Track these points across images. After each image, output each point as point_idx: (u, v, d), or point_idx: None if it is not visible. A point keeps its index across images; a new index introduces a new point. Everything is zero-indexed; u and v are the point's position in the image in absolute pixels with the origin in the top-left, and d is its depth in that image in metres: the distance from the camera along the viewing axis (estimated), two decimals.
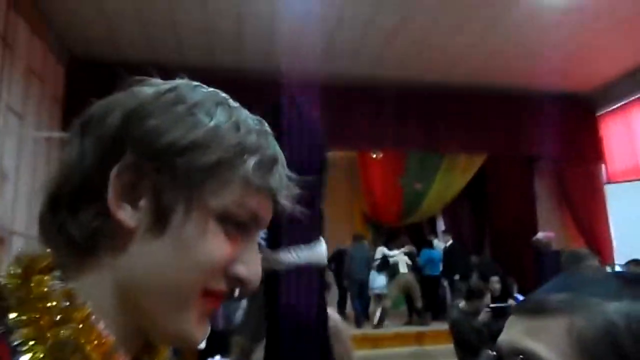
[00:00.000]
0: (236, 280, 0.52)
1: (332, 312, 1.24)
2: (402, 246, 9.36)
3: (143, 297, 0.50)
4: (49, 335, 0.45)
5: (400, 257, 9.36)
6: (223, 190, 0.51)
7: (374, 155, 8.18)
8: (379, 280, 9.15)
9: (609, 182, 9.69)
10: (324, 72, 7.29)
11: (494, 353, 0.56)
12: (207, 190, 0.50)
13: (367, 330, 9.05)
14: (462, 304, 4.81)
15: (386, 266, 9.18)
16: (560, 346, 0.50)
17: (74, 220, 0.49)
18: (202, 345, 4.53)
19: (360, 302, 8.98)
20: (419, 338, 8.37)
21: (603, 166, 10.05)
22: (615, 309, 0.50)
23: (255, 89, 4.23)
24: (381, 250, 9.31)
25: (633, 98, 9.21)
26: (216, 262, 0.50)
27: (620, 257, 6.72)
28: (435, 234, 11.23)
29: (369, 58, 7.88)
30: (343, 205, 12.19)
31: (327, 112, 7.60)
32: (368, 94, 8.48)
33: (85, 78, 7.06)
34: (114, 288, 0.50)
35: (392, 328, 9.12)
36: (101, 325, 0.48)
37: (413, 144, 8.60)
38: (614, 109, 9.82)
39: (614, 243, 9.24)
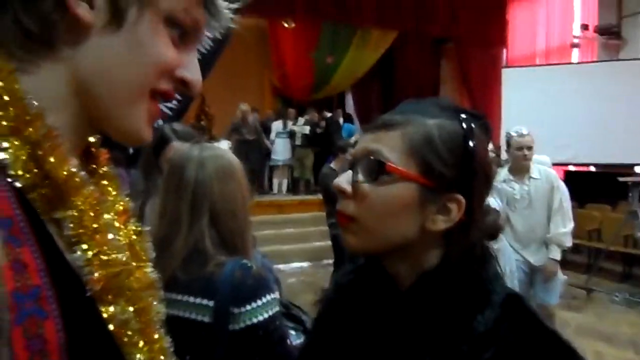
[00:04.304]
0: (181, 84, 0.56)
1: (226, 148, 1.31)
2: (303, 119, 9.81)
3: (98, 89, 0.52)
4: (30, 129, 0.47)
5: (298, 129, 9.79)
6: None
7: (286, 25, 7.90)
8: (278, 153, 9.69)
9: (506, 67, 10.23)
10: None
11: (351, 157, 0.76)
12: None
13: (274, 197, 9.53)
14: (332, 163, 5.42)
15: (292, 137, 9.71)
16: (397, 147, 0.72)
17: (30, 11, 0.49)
18: None
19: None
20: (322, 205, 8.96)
21: (504, 51, 10.53)
22: (433, 123, 0.73)
23: None
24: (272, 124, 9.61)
25: None
26: (167, 62, 0.53)
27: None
28: (343, 109, 11.54)
29: None
30: (253, 77, 11.91)
31: None
32: None
33: None
34: (69, 79, 0.51)
35: (299, 196, 9.70)
36: (50, 120, 0.49)
37: (326, 14, 8.39)
38: None
39: (503, 123, 9.99)
